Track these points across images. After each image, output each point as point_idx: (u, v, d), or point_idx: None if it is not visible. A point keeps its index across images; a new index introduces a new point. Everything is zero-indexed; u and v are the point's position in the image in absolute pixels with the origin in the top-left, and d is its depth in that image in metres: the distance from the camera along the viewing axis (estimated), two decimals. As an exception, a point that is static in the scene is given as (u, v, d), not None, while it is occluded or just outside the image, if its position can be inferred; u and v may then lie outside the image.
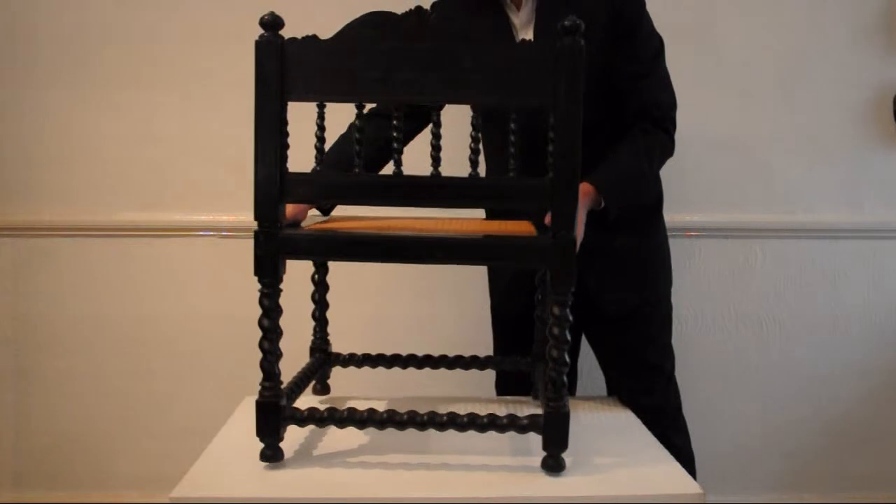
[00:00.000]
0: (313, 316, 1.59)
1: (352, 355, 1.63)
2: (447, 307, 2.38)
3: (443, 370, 1.63)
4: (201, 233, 2.36)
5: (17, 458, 2.42)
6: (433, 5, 1.72)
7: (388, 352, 1.64)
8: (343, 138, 1.63)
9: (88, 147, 2.32)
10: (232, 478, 1.23)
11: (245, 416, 1.51)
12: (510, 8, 1.68)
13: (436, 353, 1.63)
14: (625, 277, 1.73)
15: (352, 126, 1.67)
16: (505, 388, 1.88)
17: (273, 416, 1.22)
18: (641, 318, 1.76)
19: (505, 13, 1.68)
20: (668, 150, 1.72)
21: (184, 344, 2.38)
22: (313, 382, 1.63)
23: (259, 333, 1.21)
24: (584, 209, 1.55)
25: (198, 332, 2.38)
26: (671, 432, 1.69)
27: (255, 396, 1.24)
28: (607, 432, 1.48)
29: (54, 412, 2.40)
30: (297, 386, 1.37)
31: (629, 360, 1.77)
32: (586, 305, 1.69)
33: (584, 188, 1.56)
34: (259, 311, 1.20)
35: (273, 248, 1.17)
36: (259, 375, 1.23)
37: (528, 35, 1.67)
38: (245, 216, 2.31)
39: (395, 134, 1.22)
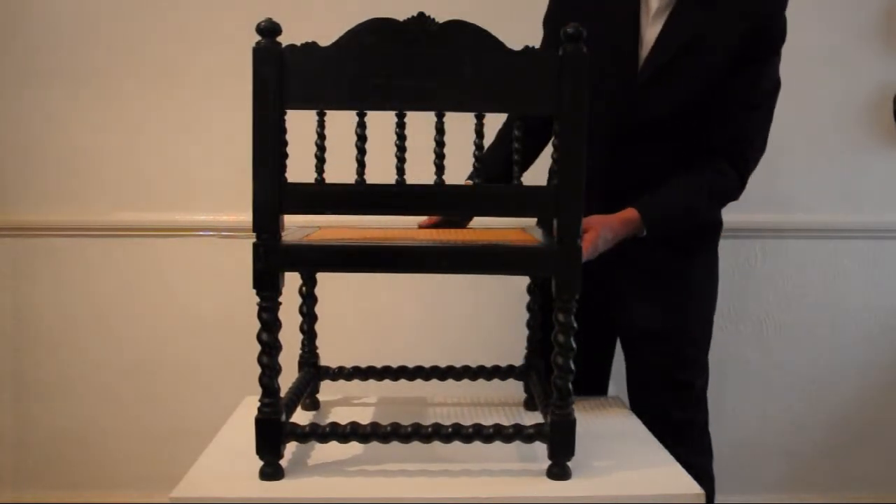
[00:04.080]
0: (301, 329, 1.56)
1: (341, 368, 1.62)
2: (451, 316, 2.39)
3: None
4: (201, 233, 2.35)
5: (17, 458, 2.42)
6: None
7: (385, 362, 1.63)
8: (497, 143, 1.65)
9: (88, 147, 2.32)
10: (232, 478, 1.23)
11: (245, 416, 1.51)
12: None
13: (436, 362, 1.63)
14: (667, 295, 1.69)
15: (505, 130, 1.72)
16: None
17: (274, 433, 1.21)
18: (678, 337, 1.71)
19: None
20: (734, 194, 1.66)
21: (184, 344, 2.38)
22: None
23: (259, 332, 1.19)
24: (618, 235, 1.52)
25: (198, 331, 2.38)
26: (693, 450, 1.66)
27: (256, 396, 1.24)
28: (607, 433, 1.48)
29: (54, 412, 2.40)
30: (293, 401, 1.36)
31: (660, 375, 1.72)
32: (623, 316, 1.69)
33: (630, 214, 1.53)
34: (258, 319, 1.19)
35: (274, 260, 1.15)
36: (259, 374, 1.22)
37: (657, 25, 1.58)
38: (245, 216, 2.29)
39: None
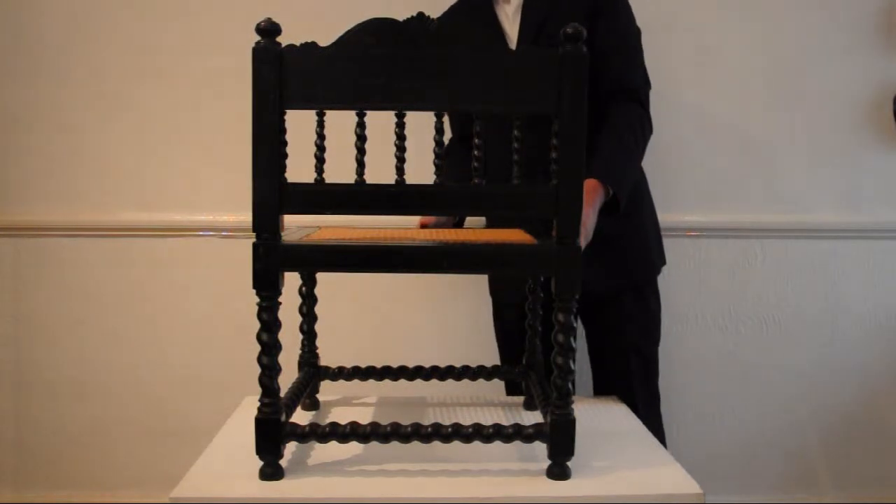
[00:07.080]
0: (301, 329, 1.57)
1: (341, 369, 1.62)
2: (451, 316, 2.39)
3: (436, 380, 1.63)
4: (201, 233, 2.35)
5: (18, 458, 2.42)
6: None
7: (385, 362, 1.64)
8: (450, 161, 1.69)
9: (89, 147, 2.32)
10: (232, 478, 1.24)
11: (245, 416, 1.51)
12: None
13: (436, 362, 1.63)
14: (607, 259, 1.74)
15: (453, 146, 1.85)
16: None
17: (273, 433, 1.21)
18: (625, 300, 1.80)
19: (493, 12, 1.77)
20: (648, 125, 1.76)
21: (184, 344, 2.38)
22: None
23: (259, 332, 1.19)
24: (596, 207, 1.56)
25: (198, 331, 2.38)
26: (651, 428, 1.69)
27: (256, 396, 1.24)
28: (607, 433, 1.48)
29: (54, 412, 2.40)
30: (293, 401, 1.36)
31: (611, 341, 1.81)
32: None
33: (591, 184, 1.56)
34: (258, 319, 1.19)
35: (273, 260, 1.16)
36: (259, 374, 1.22)
37: (516, 22, 1.74)
38: (245, 216, 2.30)
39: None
